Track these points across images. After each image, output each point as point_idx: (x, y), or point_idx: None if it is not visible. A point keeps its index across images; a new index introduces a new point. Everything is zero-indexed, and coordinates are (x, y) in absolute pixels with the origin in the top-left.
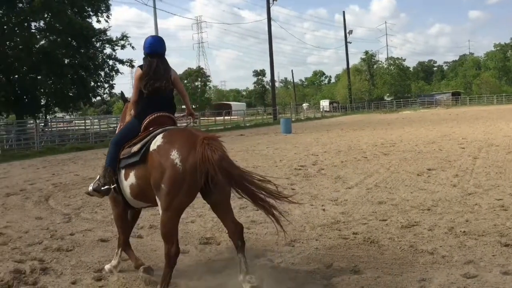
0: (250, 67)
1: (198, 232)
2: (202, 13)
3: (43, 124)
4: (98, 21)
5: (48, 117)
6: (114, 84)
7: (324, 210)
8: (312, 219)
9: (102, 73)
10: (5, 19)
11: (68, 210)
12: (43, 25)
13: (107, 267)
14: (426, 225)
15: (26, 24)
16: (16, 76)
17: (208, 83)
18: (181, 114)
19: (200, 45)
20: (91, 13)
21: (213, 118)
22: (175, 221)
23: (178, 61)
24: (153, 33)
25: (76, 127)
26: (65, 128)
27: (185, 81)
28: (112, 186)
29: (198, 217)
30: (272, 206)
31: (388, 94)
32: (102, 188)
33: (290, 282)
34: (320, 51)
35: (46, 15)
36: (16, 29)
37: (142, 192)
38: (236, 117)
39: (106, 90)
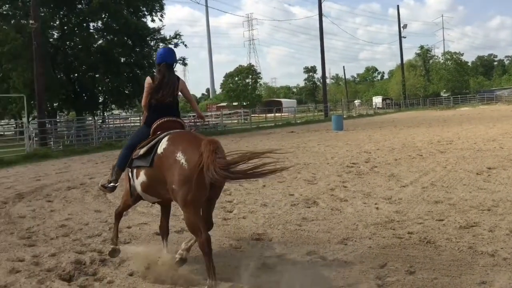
0: (301, 64)
1: (250, 228)
2: (253, 10)
3: (101, 121)
4: (153, 21)
5: (105, 114)
6: None
7: (377, 208)
8: (365, 217)
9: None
10: (65, 20)
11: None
12: (100, 25)
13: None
14: (486, 226)
15: (85, 24)
16: (76, 74)
17: (258, 80)
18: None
19: (251, 42)
20: (145, 12)
21: (264, 115)
22: (195, 215)
23: (229, 58)
24: (205, 31)
25: (132, 124)
26: (121, 124)
27: (236, 79)
28: (117, 184)
29: (250, 213)
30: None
31: (444, 90)
32: (108, 185)
33: (342, 280)
34: (373, 47)
35: (103, 16)
36: (75, 29)
37: (151, 188)
38: (287, 114)
39: None
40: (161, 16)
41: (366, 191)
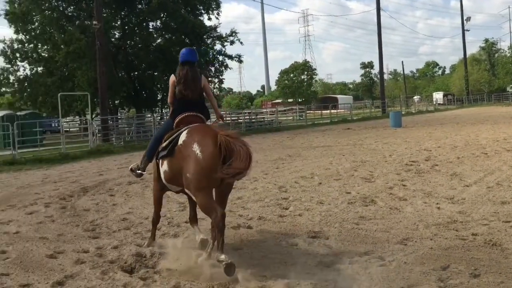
0: (358, 59)
1: (306, 225)
2: (309, 6)
3: (159, 118)
4: (209, 19)
5: (163, 110)
6: (224, 79)
7: (439, 208)
8: (425, 218)
9: (213, 69)
10: (126, 20)
11: (183, 199)
12: (159, 25)
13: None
14: None
15: (144, 24)
16: (136, 73)
17: (314, 76)
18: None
19: (307, 38)
20: (202, 11)
21: (319, 111)
22: (207, 199)
23: (284, 55)
24: (261, 28)
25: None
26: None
27: (291, 75)
28: (144, 173)
29: (306, 210)
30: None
31: (511, 85)
32: (137, 171)
33: (402, 281)
34: (434, 41)
35: (162, 15)
36: (136, 29)
37: (172, 177)
38: (343, 110)
39: (216, 85)
40: (218, 14)
41: (426, 190)
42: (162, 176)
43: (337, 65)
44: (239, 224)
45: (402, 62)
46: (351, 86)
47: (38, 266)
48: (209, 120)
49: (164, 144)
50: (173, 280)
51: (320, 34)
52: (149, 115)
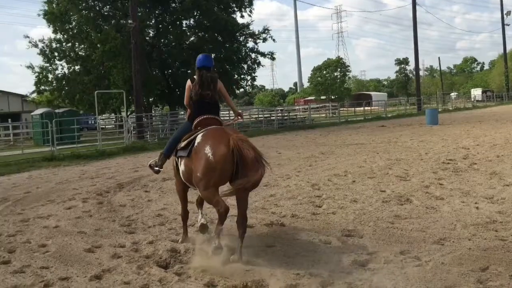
0: (392, 56)
1: (340, 223)
2: (342, 2)
3: None
4: (242, 16)
5: None
6: (256, 76)
7: (477, 208)
8: (463, 217)
9: (245, 66)
10: (160, 18)
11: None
12: (192, 23)
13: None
14: None
15: (178, 22)
16: (170, 71)
17: (347, 73)
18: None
19: (340, 34)
20: (235, 8)
21: (352, 108)
22: (213, 195)
23: (317, 51)
24: (293, 25)
25: (221, 118)
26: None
27: (324, 72)
28: (161, 169)
29: (339, 208)
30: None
31: None
32: (155, 168)
33: (439, 282)
34: (472, 36)
35: (195, 13)
36: (169, 27)
37: (189, 177)
38: (377, 107)
39: (249, 82)
40: (250, 11)
41: (464, 190)
42: (181, 175)
43: (371, 62)
44: (272, 221)
45: (439, 58)
46: (385, 83)
47: (77, 259)
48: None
49: (182, 145)
50: (207, 276)
51: (353, 30)
52: (182, 112)
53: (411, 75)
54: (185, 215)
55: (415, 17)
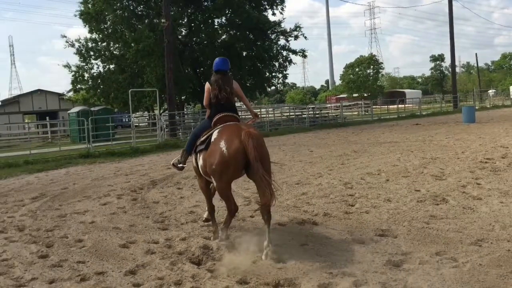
0: (427, 52)
1: (373, 223)
2: None
3: None
4: (273, 14)
5: None
6: (287, 74)
7: None
8: (502, 218)
9: (276, 64)
10: (193, 17)
11: (247, 194)
12: (224, 21)
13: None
14: None
15: (210, 21)
16: (202, 69)
17: (380, 70)
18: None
19: (373, 31)
20: (267, 6)
21: (386, 106)
22: (227, 189)
23: (349, 48)
24: (325, 22)
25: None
26: (242, 116)
27: (356, 69)
28: (185, 165)
29: (373, 208)
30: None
31: None
32: (178, 165)
33: (477, 284)
34: (511, 31)
35: (227, 11)
36: (201, 26)
37: (207, 170)
38: (411, 105)
39: (280, 80)
40: (282, 9)
41: (503, 190)
42: (200, 169)
43: (405, 59)
44: (303, 219)
45: (476, 54)
46: (420, 80)
47: (112, 254)
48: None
49: (202, 139)
50: (239, 274)
51: (387, 27)
52: None
53: (446, 72)
54: (210, 208)
55: (451, 12)
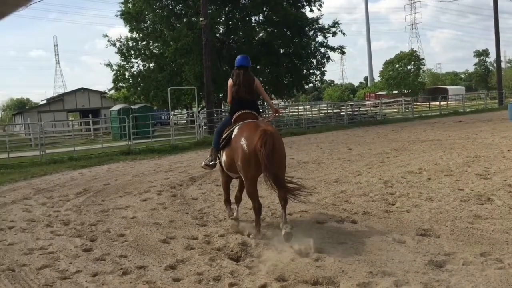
0: (471, 47)
1: (415, 222)
2: None
3: (261, 110)
4: (311, 11)
5: (265, 104)
6: (325, 71)
7: None
8: None
9: (314, 61)
10: (230, 15)
11: None
12: (262, 19)
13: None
14: None
15: (247, 18)
16: None
17: (421, 66)
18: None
19: (413, 26)
20: (304, 3)
21: (427, 103)
22: (253, 186)
23: (388, 44)
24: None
25: (290, 113)
26: (280, 114)
27: (397, 65)
28: (217, 162)
29: (414, 207)
30: (290, 190)
31: None
32: (210, 163)
33: None
34: None
35: (264, 9)
36: (239, 23)
37: (230, 166)
38: (454, 102)
39: (318, 77)
40: (319, 5)
41: None
42: (223, 165)
43: (447, 54)
44: (342, 218)
45: None
46: (463, 76)
47: (152, 249)
48: (263, 114)
49: (223, 136)
50: (278, 271)
51: (428, 22)
52: None
53: (491, 67)
54: (228, 202)
55: (496, 5)
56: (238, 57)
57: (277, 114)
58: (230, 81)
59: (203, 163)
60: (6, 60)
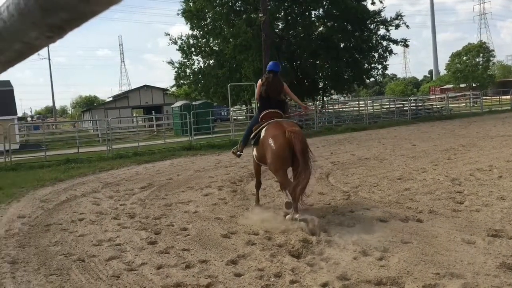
0: None
1: (485, 222)
2: None
3: (321, 106)
4: (373, 3)
5: (325, 99)
6: (388, 65)
7: None
8: None
9: (376, 55)
10: (289, 10)
11: (347, 188)
12: (321, 13)
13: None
14: None
15: (307, 13)
16: (298, 62)
17: (491, 58)
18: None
19: (482, 16)
20: None
21: (498, 97)
22: (284, 177)
23: (455, 36)
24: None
25: (351, 108)
26: (340, 109)
27: (464, 58)
28: (242, 153)
29: (484, 206)
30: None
31: None
32: (237, 153)
33: None
34: None
35: (324, 3)
36: (298, 19)
37: (260, 159)
38: None
39: (379, 71)
40: None
41: None
42: (254, 157)
43: None
44: (407, 216)
45: None
46: None
47: (214, 244)
48: (290, 111)
49: (252, 135)
50: (340, 269)
51: (498, 11)
52: (310, 104)
53: None
54: (258, 185)
55: None
56: (270, 63)
57: (306, 111)
58: (259, 82)
59: (232, 149)
60: (74, 59)
